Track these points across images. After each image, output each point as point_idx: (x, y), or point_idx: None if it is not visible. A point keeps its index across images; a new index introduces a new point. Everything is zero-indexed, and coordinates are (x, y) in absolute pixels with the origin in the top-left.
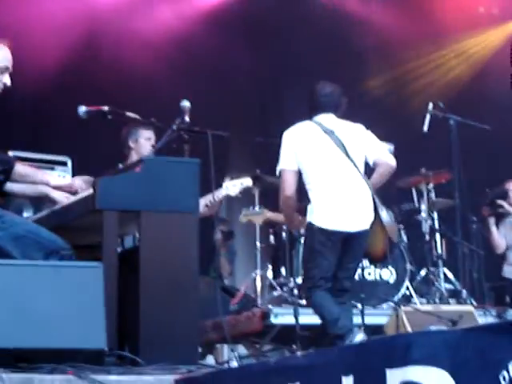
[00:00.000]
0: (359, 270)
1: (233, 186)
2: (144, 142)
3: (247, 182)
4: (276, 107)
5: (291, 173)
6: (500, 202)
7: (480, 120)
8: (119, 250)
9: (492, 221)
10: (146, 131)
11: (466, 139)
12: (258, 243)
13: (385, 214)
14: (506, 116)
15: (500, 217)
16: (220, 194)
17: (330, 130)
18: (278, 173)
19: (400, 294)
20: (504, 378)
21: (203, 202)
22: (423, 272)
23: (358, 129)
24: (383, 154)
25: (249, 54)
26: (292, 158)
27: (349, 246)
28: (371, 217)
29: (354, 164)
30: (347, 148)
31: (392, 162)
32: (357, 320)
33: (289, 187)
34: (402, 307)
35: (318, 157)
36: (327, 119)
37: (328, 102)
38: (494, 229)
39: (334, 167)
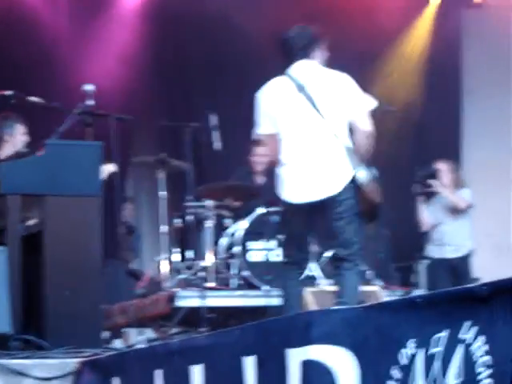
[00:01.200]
0: (265, 252)
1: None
2: (20, 137)
3: (111, 167)
4: (181, 92)
5: (269, 137)
6: (431, 181)
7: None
8: (24, 234)
9: (421, 198)
10: (21, 126)
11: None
12: (163, 226)
13: (362, 174)
14: None
15: (429, 195)
16: None
17: (301, 86)
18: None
19: (306, 275)
20: (403, 355)
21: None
22: (329, 253)
23: (337, 81)
24: (357, 117)
25: (155, 39)
26: (266, 121)
27: (318, 215)
28: (340, 182)
29: (326, 124)
30: (318, 106)
31: (365, 126)
32: (262, 302)
33: (271, 153)
34: (308, 288)
35: (286, 119)
36: (301, 70)
37: (294, 47)
38: (422, 207)
39: (300, 130)
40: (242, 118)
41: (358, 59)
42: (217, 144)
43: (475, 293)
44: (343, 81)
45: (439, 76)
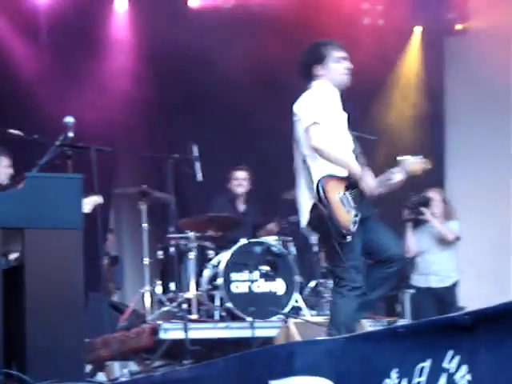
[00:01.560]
0: (249, 283)
1: (86, 204)
2: (4, 170)
3: (98, 199)
4: (162, 123)
5: None
6: (423, 209)
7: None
8: (5, 267)
9: (410, 224)
10: (6, 158)
11: None
12: (146, 258)
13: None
14: None
15: (418, 222)
16: None
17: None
18: None
19: (289, 306)
20: None
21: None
22: (312, 283)
23: (301, 100)
24: (305, 132)
25: (135, 71)
26: None
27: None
28: (304, 213)
29: (300, 149)
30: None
31: (309, 140)
32: (246, 333)
33: None
34: (292, 319)
35: None
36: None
37: (300, 72)
38: (410, 233)
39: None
40: (221, 148)
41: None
42: (199, 175)
43: (458, 322)
44: (303, 98)
45: (423, 103)
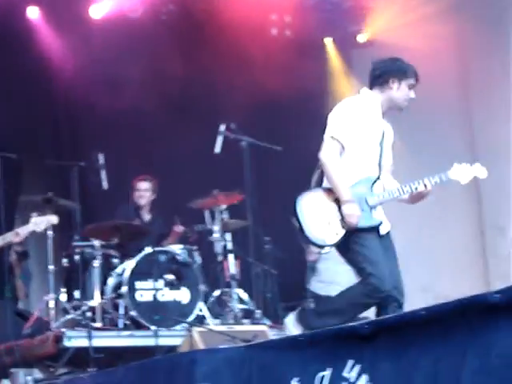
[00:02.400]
0: (153, 292)
1: (40, 223)
2: None
3: (53, 219)
4: (68, 131)
5: None
6: None
7: (275, 141)
8: None
9: None
10: None
11: (259, 160)
12: (50, 266)
13: None
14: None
15: None
16: (28, 229)
17: None
18: None
19: (194, 315)
20: None
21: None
22: (217, 293)
23: (336, 107)
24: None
25: (42, 77)
26: None
27: None
28: None
29: None
30: None
31: (320, 154)
32: (150, 342)
33: None
34: (196, 328)
35: None
36: None
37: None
38: None
39: None
40: (128, 156)
41: (267, 102)
42: (104, 183)
43: (358, 331)
44: (337, 107)
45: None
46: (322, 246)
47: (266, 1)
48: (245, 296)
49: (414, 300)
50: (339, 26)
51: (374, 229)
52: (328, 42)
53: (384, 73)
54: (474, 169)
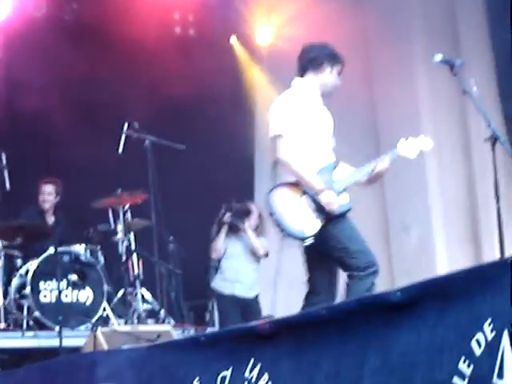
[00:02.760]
0: (57, 292)
1: None
2: None
3: None
4: None
5: None
6: (243, 218)
7: (180, 140)
8: None
9: (226, 227)
10: None
11: (163, 159)
12: None
13: None
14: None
15: (234, 229)
16: None
17: None
18: None
19: (98, 316)
20: None
21: None
22: (121, 293)
23: (275, 103)
24: (271, 142)
25: None
26: None
27: None
28: None
29: None
30: None
31: (277, 155)
32: (54, 343)
33: None
34: (100, 328)
35: None
36: None
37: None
38: (223, 235)
39: None
40: (31, 158)
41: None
42: (7, 184)
43: (258, 330)
44: (277, 102)
45: (233, 113)
46: (303, 239)
47: (168, 0)
48: (149, 296)
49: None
50: (244, 23)
51: (345, 214)
52: (233, 39)
53: (318, 56)
54: (418, 142)
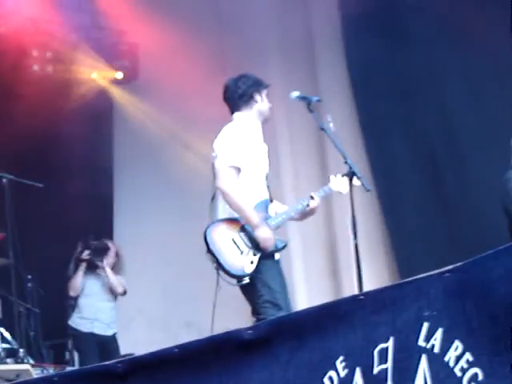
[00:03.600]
0: None
1: None
2: None
3: None
4: None
5: None
6: (101, 256)
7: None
8: None
9: (84, 265)
10: None
11: (21, 197)
12: None
13: None
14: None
15: (91, 266)
16: None
17: None
18: None
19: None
20: None
21: None
22: None
23: (221, 136)
24: (217, 172)
25: None
26: None
27: None
28: None
29: None
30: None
31: (218, 184)
32: None
33: None
34: None
35: None
36: None
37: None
38: (81, 273)
39: None
40: None
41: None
42: None
43: (111, 370)
44: (223, 134)
45: (92, 151)
46: (242, 277)
47: (26, 37)
48: (8, 335)
49: (181, 335)
50: (105, 61)
51: (273, 254)
52: (95, 77)
53: (246, 90)
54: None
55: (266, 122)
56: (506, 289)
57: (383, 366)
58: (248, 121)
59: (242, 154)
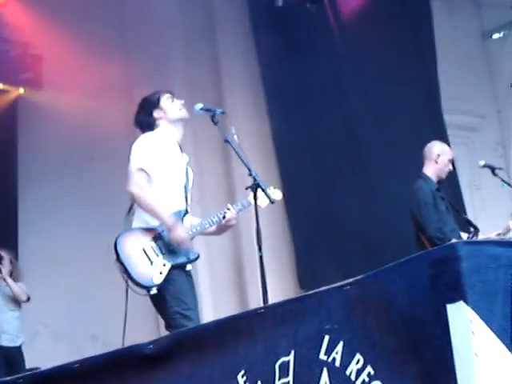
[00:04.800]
0: None
1: None
2: None
3: None
4: None
5: None
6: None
7: None
8: None
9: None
10: None
11: None
12: None
13: None
14: None
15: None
16: None
17: None
18: None
19: None
20: None
21: None
22: None
23: (136, 142)
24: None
25: None
26: None
27: None
28: None
29: None
30: None
31: (128, 188)
32: None
33: None
34: None
35: None
36: None
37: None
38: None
39: None
40: None
41: None
42: None
43: None
44: (138, 141)
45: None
46: (150, 287)
47: None
48: None
49: (87, 349)
50: (9, 73)
51: (184, 266)
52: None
53: (145, 119)
54: (269, 192)
55: (184, 120)
56: (406, 301)
57: (284, 380)
58: (163, 132)
59: (153, 160)
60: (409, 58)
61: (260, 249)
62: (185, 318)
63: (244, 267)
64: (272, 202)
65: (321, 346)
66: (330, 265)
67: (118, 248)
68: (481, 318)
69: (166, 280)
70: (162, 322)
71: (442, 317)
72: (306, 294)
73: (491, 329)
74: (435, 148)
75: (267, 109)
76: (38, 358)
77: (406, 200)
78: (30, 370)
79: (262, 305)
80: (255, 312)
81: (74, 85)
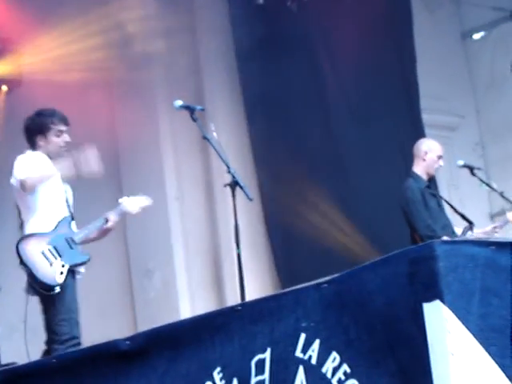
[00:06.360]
0: None
1: None
2: None
3: None
4: None
5: None
6: None
7: None
8: None
9: None
10: None
11: None
12: None
13: None
14: None
15: None
16: None
17: None
18: None
19: None
20: None
21: None
22: None
23: (15, 164)
24: (14, 178)
25: None
26: None
27: None
28: None
29: None
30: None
31: (15, 178)
32: None
33: None
34: None
35: None
36: None
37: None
38: None
39: None
40: None
41: None
42: None
43: None
44: (16, 162)
45: None
46: (54, 286)
47: None
48: None
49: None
50: None
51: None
52: None
53: (29, 136)
54: (140, 199)
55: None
56: (383, 300)
57: (260, 377)
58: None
59: (32, 169)
60: (388, 57)
61: (238, 246)
62: (70, 325)
63: (222, 264)
64: (250, 199)
65: (297, 344)
66: (308, 262)
67: (21, 252)
68: (457, 317)
69: (61, 286)
70: (139, 317)
71: (419, 315)
72: (283, 291)
73: (467, 328)
74: (423, 145)
75: (245, 107)
76: (16, 354)
77: (384, 199)
78: (6, 365)
79: (239, 302)
80: (232, 309)
81: (53, 78)
